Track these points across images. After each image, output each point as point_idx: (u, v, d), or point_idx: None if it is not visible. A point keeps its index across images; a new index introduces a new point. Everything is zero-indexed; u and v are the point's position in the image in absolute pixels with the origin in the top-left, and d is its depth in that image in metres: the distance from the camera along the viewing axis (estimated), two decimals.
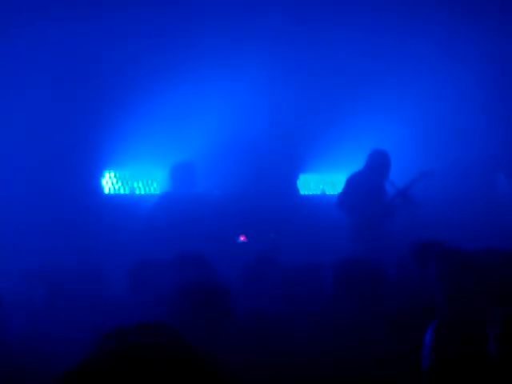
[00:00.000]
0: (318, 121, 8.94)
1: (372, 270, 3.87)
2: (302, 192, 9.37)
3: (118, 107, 8.07)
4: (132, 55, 8.15)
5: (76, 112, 7.97)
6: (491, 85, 8.87)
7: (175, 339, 1.42)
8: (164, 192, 7.63)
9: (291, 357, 3.09)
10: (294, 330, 3.44)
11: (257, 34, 8.23)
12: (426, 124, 8.98)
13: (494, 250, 3.70)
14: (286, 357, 3.09)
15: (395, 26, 8.49)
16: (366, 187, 7.18)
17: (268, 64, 8.44)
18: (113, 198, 8.57)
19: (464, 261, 3.33)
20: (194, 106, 8.39)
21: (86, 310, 4.02)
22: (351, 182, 7.29)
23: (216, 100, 8.25)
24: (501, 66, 8.96)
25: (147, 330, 1.45)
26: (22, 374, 3.22)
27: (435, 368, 1.91)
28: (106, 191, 8.60)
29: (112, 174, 8.66)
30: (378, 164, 7.23)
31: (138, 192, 8.76)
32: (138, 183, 8.78)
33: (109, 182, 8.64)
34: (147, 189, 8.79)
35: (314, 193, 9.52)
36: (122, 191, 8.71)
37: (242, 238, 7.79)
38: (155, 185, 8.76)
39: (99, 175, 8.55)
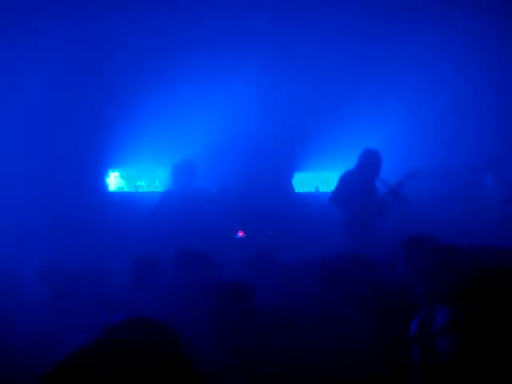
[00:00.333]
0: (313, 121, 9.00)
1: (363, 265, 3.82)
2: (297, 190, 9.47)
3: (122, 109, 8.17)
4: (134, 57, 8.17)
5: (83, 114, 8.08)
6: (481, 86, 8.89)
7: (163, 336, 1.42)
8: (166, 190, 7.62)
9: (290, 353, 3.10)
10: (294, 326, 3.41)
11: (257, 35, 8.24)
12: (417, 124, 9.03)
13: (482, 247, 3.83)
14: (286, 353, 3.10)
15: (394, 27, 8.47)
16: (357, 185, 7.23)
17: (268, 64, 8.51)
18: (117, 196, 8.65)
19: (451, 257, 3.39)
20: (195, 106, 8.44)
21: (90, 307, 4.01)
22: (344, 180, 7.34)
23: (216, 101, 8.32)
24: (493, 68, 8.94)
25: (136, 326, 1.45)
26: (24, 374, 3.18)
27: (423, 360, 1.91)
28: (111, 189, 8.70)
29: (116, 173, 8.78)
30: (369, 162, 7.25)
31: (141, 190, 8.84)
32: (141, 182, 8.86)
33: (113, 181, 8.75)
34: (150, 187, 8.88)
35: (309, 190, 9.60)
36: (125, 189, 8.81)
37: (240, 234, 7.77)
38: (158, 183, 8.83)
39: (104, 174, 8.67)
